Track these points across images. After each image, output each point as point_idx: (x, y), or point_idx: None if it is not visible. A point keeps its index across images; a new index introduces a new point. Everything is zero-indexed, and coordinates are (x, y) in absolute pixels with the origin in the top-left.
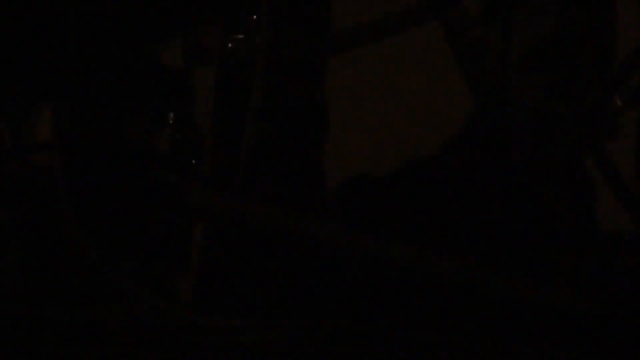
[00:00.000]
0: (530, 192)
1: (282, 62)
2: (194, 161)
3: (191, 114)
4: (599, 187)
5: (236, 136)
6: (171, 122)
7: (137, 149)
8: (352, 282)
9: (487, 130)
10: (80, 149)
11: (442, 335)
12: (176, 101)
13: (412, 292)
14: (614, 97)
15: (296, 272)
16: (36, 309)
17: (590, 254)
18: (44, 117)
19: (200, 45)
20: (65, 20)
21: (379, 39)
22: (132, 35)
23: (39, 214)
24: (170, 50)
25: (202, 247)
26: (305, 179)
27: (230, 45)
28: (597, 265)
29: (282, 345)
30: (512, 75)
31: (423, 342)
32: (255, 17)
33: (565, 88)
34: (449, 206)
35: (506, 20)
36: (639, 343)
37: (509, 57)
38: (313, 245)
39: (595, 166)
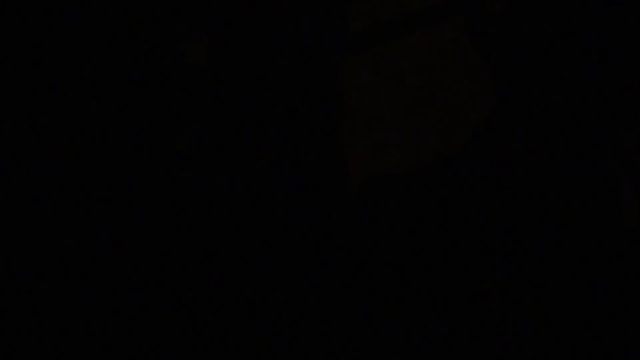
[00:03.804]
0: (553, 187)
1: (302, 61)
2: (217, 155)
3: (215, 111)
4: (623, 184)
5: (262, 134)
6: (196, 118)
7: (161, 145)
8: (366, 280)
9: (510, 126)
10: (106, 146)
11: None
12: (200, 98)
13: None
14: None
15: (311, 270)
16: (59, 306)
17: (612, 250)
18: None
19: (223, 43)
20: (89, 18)
21: (402, 36)
22: (157, 34)
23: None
24: (194, 48)
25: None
26: (327, 175)
27: (252, 43)
28: (619, 260)
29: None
30: (535, 73)
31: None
32: (276, 17)
33: (588, 87)
34: (471, 203)
35: (529, 20)
36: None
37: (532, 55)
38: (331, 243)
39: (618, 163)
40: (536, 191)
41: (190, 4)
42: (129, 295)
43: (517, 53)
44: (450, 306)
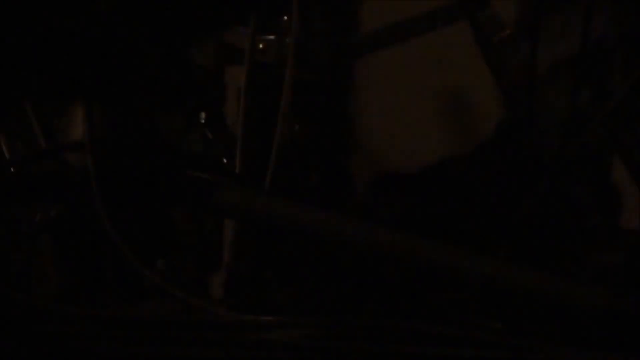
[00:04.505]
0: (557, 193)
1: (311, 63)
2: (225, 160)
3: (222, 114)
4: (628, 186)
5: (266, 136)
6: (203, 121)
7: (169, 148)
8: (379, 278)
9: (516, 132)
10: (112, 148)
11: (464, 331)
12: (207, 100)
13: (435, 287)
14: None
15: (324, 269)
16: (70, 307)
17: (616, 253)
18: (77, 116)
19: (231, 45)
20: (97, 19)
21: (408, 39)
22: (164, 35)
23: (72, 213)
24: (201, 50)
25: (233, 244)
26: (333, 177)
27: (261, 45)
28: (622, 264)
29: (311, 343)
30: (540, 80)
31: (447, 337)
32: (285, 18)
33: (593, 94)
34: (477, 206)
35: (535, 26)
36: None
37: (538, 62)
38: (341, 243)
39: (624, 167)
40: (538, 192)
41: (197, 7)
42: (129, 292)
43: (521, 53)
44: (452, 305)
